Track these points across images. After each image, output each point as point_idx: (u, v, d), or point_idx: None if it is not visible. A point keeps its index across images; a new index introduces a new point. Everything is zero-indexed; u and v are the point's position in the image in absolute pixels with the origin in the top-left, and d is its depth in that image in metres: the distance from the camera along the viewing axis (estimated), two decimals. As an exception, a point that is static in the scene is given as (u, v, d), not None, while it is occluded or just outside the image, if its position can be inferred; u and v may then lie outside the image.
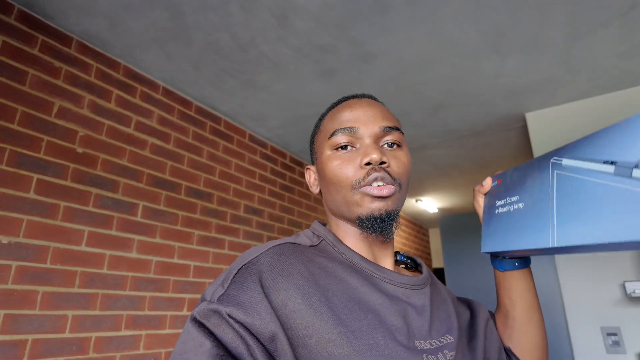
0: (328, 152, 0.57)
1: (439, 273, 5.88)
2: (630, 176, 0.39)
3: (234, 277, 0.45)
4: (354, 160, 0.54)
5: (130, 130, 1.87)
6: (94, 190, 1.68)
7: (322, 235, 0.58)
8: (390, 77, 2.04)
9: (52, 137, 1.57)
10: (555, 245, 0.46)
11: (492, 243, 0.58)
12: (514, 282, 0.63)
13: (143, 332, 1.75)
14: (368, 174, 0.52)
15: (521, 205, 0.54)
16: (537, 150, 2.32)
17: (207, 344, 0.39)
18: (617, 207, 0.40)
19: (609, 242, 0.40)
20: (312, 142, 0.64)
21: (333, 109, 0.61)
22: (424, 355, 0.47)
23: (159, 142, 2.00)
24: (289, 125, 2.57)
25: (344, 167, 0.54)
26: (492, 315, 0.69)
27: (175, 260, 1.97)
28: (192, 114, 2.23)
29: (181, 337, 0.41)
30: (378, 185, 0.52)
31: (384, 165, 0.53)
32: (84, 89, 1.71)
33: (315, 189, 0.63)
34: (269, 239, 2.62)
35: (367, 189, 0.52)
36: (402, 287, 0.54)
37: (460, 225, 3.45)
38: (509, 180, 0.59)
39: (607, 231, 0.40)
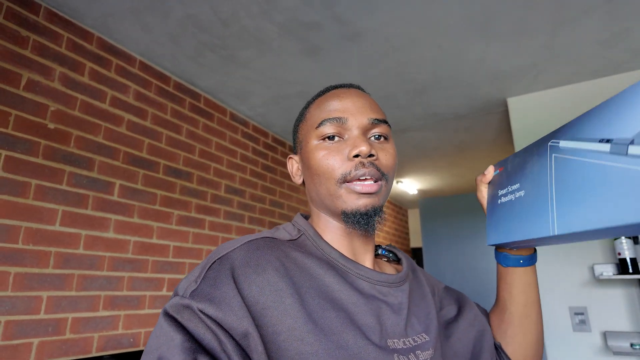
0: (314, 142, 0.55)
1: (417, 253, 6.03)
2: (627, 154, 0.36)
3: (206, 272, 0.45)
4: (341, 152, 0.53)
5: (105, 106, 1.79)
6: (68, 168, 1.61)
7: (303, 229, 0.57)
8: (376, 57, 2.00)
9: (20, 112, 1.48)
10: (556, 233, 0.44)
11: (496, 235, 0.56)
12: (517, 278, 0.61)
13: (122, 313, 1.73)
14: (356, 168, 0.51)
15: (522, 193, 0.51)
16: (518, 135, 2.36)
17: (177, 338, 0.39)
18: (615, 188, 0.37)
19: (609, 226, 0.37)
20: (295, 131, 0.62)
21: (319, 97, 0.59)
22: (396, 355, 0.47)
23: (135, 119, 1.93)
24: (271, 104, 2.52)
25: (331, 158, 0.53)
26: (486, 313, 0.68)
27: (154, 240, 1.93)
28: (170, 89, 2.15)
29: (154, 331, 0.41)
30: (364, 183, 0.51)
31: (372, 159, 0.52)
32: (54, 61, 1.61)
33: (298, 180, 0.61)
34: (250, 219, 2.60)
35: (353, 186, 0.51)
36: (378, 284, 0.53)
37: (439, 207, 3.51)
38: (509, 167, 0.56)
39: (606, 215, 0.37)
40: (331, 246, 0.54)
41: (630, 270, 1.81)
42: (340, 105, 0.55)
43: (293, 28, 1.76)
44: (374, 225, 0.52)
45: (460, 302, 0.67)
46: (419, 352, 0.49)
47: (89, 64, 1.75)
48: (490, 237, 0.58)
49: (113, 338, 1.68)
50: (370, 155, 0.52)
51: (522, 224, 0.51)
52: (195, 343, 0.39)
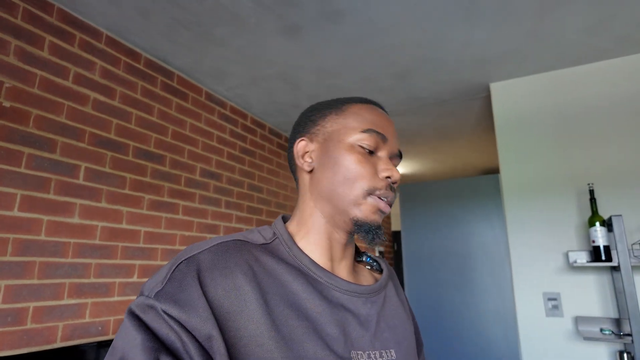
0: (352, 141, 0.55)
1: (397, 236, 6.09)
2: None
3: (172, 272, 0.45)
4: (374, 166, 0.55)
5: (68, 84, 1.68)
6: (27, 150, 1.51)
7: (278, 233, 0.56)
8: (358, 38, 1.93)
9: (-30, 88, 1.37)
10: None
11: None
12: None
13: (89, 300, 1.67)
14: (386, 188, 0.54)
15: None
16: (499, 121, 2.34)
17: (139, 337, 0.39)
18: None
19: None
20: (321, 116, 0.58)
21: (361, 103, 0.59)
22: None
23: (102, 98, 1.82)
24: (250, 85, 2.42)
25: (365, 167, 0.53)
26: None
27: (124, 225, 1.85)
28: (140, 67, 2.03)
29: (119, 330, 0.41)
30: (386, 203, 0.54)
31: (395, 185, 0.56)
32: (8, 33, 1.49)
33: (307, 166, 0.57)
34: (227, 203, 2.53)
35: (378, 202, 0.53)
36: (348, 295, 0.52)
37: (417, 193, 3.51)
38: None
39: None
40: (303, 252, 0.53)
41: (603, 258, 1.83)
42: (384, 125, 0.57)
43: (271, 5, 1.67)
44: (380, 238, 0.54)
45: (417, 336, 0.68)
46: None
47: (49, 38, 1.62)
48: None
49: (80, 327, 1.62)
50: (394, 182, 0.55)
51: None
52: (158, 343, 0.39)
